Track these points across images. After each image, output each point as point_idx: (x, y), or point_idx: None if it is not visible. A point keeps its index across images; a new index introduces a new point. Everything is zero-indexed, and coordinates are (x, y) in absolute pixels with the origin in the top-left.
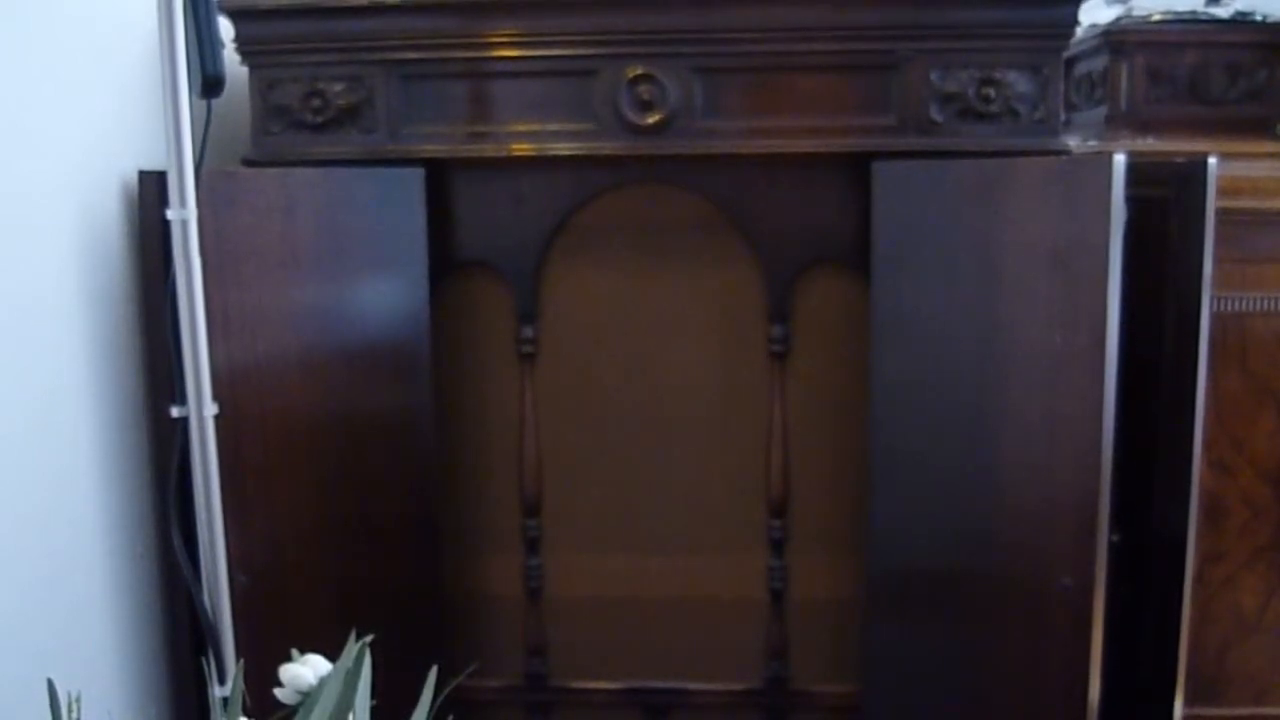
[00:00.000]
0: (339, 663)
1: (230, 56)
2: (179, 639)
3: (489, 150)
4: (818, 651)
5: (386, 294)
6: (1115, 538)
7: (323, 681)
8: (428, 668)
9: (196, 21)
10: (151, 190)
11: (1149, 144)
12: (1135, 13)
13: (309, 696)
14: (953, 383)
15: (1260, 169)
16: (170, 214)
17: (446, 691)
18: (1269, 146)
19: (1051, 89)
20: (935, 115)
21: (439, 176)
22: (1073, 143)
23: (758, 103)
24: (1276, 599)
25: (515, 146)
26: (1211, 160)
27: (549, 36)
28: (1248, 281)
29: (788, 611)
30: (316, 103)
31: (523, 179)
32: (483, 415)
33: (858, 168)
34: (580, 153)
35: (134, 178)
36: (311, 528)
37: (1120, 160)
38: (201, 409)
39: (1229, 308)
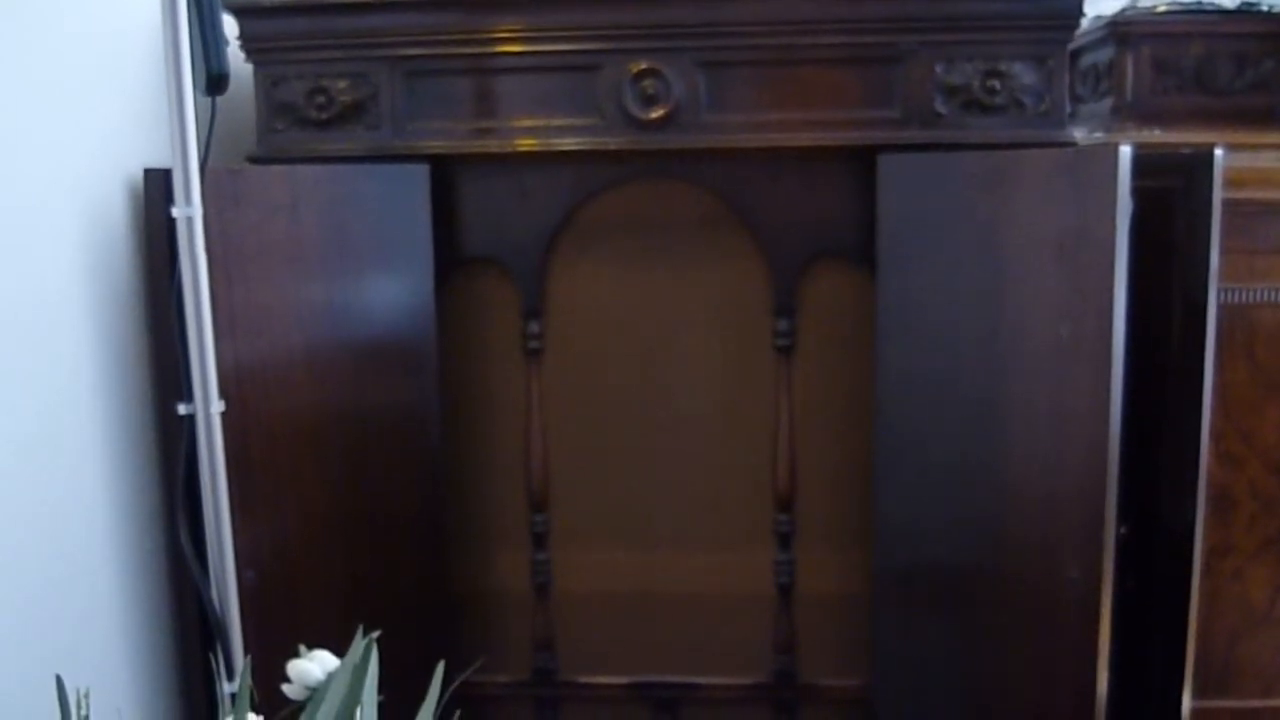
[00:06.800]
0: (346, 658)
1: (235, 54)
2: (187, 635)
3: (493, 146)
4: (825, 645)
5: (392, 290)
6: (1123, 530)
7: (330, 677)
8: (435, 663)
9: (201, 19)
10: (157, 188)
11: (1155, 135)
12: (1141, 3)
13: (317, 692)
14: (958, 376)
15: (1267, 159)
16: (176, 211)
17: (454, 686)
18: (1276, 137)
19: (1057, 80)
20: (940, 108)
21: (444, 173)
22: (1079, 134)
23: (762, 96)
24: None
25: (520, 142)
26: (1218, 151)
27: (553, 31)
28: (1255, 273)
29: (795, 605)
30: (321, 99)
31: (527, 174)
32: (489, 411)
33: (863, 161)
34: (585, 148)
35: (139, 175)
36: (318, 524)
37: (1126, 152)
38: (208, 406)
39: (1236, 299)
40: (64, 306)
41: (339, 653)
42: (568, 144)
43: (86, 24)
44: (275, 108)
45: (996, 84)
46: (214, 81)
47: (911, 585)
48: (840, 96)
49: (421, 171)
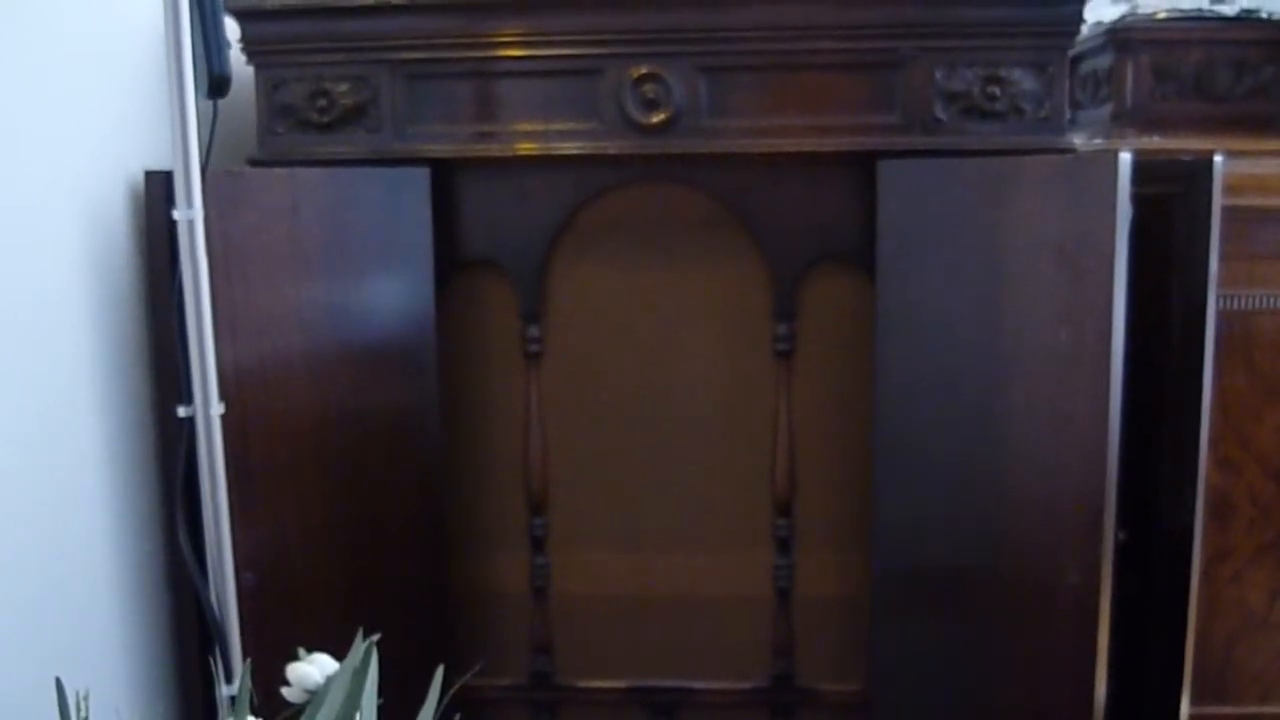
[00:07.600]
0: (346, 661)
1: (236, 56)
2: (186, 638)
3: (494, 150)
4: (824, 649)
5: (392, 293)
6: (1121, 535)
7: (330, 680)
8: (434, 666)
9: (203, 21)
10: (158, 190)
11: (1154, 142)
12: (1140, 10)
13: (316, 695)
14: (958, 380)
15: (1266, 166)
16: (177, 214)
17: (453, 690)
18: (1275, 144)
19: (1057, 87)
20: (940, 113)
21: (444, 176)
22: (1078, 141)
23: (763, 101)
24: None
25: (520, 146)
26: (1217, 158)
27: (554, 36)
28: (1254, 279)
29: (794, 609)
30: (322, 102)
31: (528, 178)
32: (488, 414)
33: (863, 166)
34: (585, 152)
35: (140, 178)
36: (318, 526)
37: (1126, 158)
38: (208, 408)
39: (1235, 305)
40: (64, 307)
41: (338, 655)
42: (568, 148)
43: (86, 24)
44: (276, 110)
45: (997, 90)
46: (215, 84)
47: (911, 589)
48: (841, 102)
49: (422, 175)
